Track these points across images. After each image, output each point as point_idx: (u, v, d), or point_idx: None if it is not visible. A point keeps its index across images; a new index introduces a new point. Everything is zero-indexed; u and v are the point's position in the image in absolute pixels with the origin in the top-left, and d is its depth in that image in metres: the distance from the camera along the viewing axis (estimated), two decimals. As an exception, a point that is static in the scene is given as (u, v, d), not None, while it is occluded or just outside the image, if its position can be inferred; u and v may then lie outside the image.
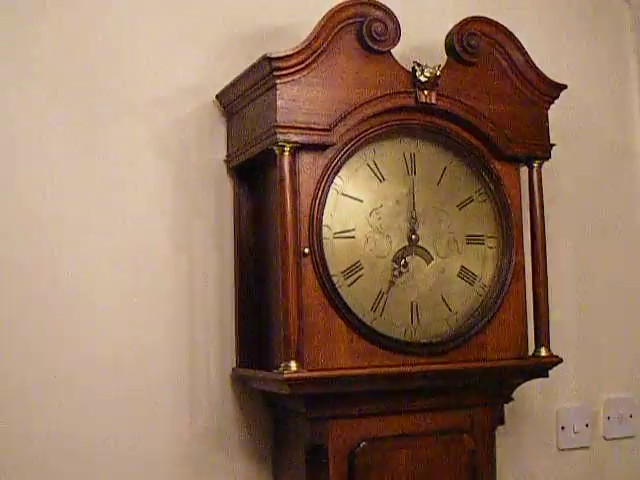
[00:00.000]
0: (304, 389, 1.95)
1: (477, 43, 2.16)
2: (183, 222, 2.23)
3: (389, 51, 2.08)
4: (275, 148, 1.96)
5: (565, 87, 2.27)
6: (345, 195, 2.06)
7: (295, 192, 1.97)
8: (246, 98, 2.12)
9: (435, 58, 2.16)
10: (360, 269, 2.06)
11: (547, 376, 2.26)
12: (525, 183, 2.26)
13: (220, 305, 2.24)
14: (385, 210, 2.10)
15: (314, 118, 1.99)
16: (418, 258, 2.13)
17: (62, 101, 2.13)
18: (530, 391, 2.51)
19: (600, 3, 2.83)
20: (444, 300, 2.15)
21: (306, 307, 1.97)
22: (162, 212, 2.21)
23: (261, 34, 2.30)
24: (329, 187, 2.02)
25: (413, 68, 2.09)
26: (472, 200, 2.20)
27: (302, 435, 2.06)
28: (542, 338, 2.23)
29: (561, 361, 2.24)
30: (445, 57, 2.17)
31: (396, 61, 2.09)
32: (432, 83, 2.10)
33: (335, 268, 2.02)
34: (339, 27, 2.03)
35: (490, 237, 2.21)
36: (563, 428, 2.63)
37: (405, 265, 2.11)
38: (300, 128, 1.97)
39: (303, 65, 1.98)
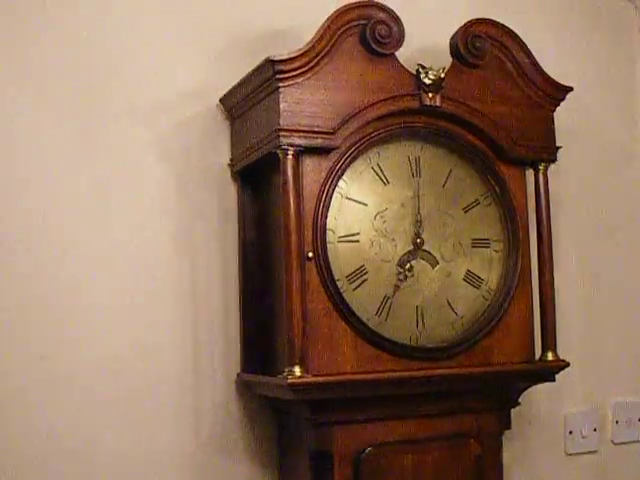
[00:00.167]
0: (308, 394, 1.94)
1: (482, 45, 2.15)
2: (187, 226, 2.22)
3: (393, 54, 2.07)
4: (278, 152, 1.95)
5: (571, 89, 2.25)
6: (349, 199, 2.05)
7: (299, 196, 1.96)
8: (249, 101, 2.11)
9: (440, 61, 2.14)
10: (365, 273, 2.04)
11: (554, 380, 2.25)
12: (531, 186, 2.24)
13: (224, 310, 2.23)
14: (390, 214, 2.09)
15: (318, 121, 1.98)
16: (423, 262, 2.12)
17: (64, 104, 2.12)
18: (537, 395, 2.50)
19: (606, 4, 2.81)
20: (450, 304, 2.14)
21: (310, 312, 1.96)
22: (166, 216, 2.20)
23: (264, 37, 2.29)
24: (333, 191, 2.01)
25: (417, 71, 2.08)
26: (478, 203, 2.19)
27: (307, 440, 2.05)
28: (549, 342, 2.21)
29: (568, 365, 2.23)
30: (450, 60, 2.16)
31: (400, 64, 2.08)
32: (437, 86, 2.08)
33: (339, 272, 2.00)
34: (342, 30, 2.02)
35: (496, 240, 2.20)
36: (571, 432, 2.61)
37: (410, 269, 2.09)
38: (303, 131, 1.96)
39: (306, 68, 1.97)
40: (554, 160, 2.25)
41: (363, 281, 2.04)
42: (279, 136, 1.94)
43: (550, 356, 2.20)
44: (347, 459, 2.01)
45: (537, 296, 2.23)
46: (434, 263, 2.13)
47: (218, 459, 2.21)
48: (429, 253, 2.12)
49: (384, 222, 2.08)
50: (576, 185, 2.67)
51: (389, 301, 2.07)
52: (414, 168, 2.13)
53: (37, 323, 2.06)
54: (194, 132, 2.24)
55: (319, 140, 1.98)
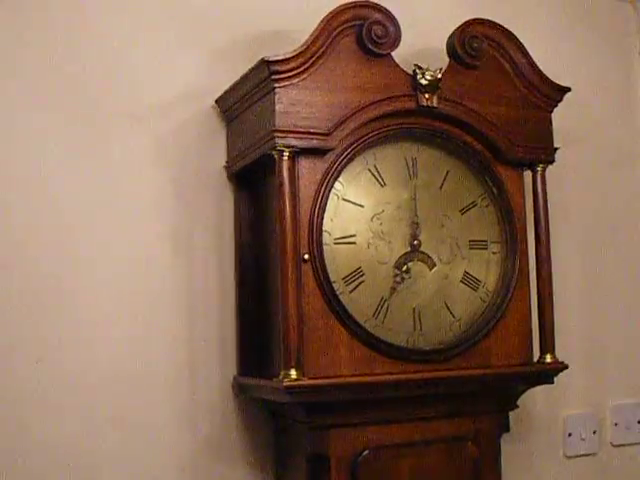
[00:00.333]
0: (304, 397, 1.93)
1: (479, 46, 2.14)
2: (183, 227, 2.21)
3: (389, 54, 2.06)
4: (274, 153, 1.94)
5: (569, 90, 2.24)
6: (346, 200, 2.04)
7: (295, 197, 1.95)
8: (245, 103, 2.10)
9: (437, 61, 2.13)
10: (361, 275, 2.03)
11: (553, 382, 2.24)
12: (529, 187, 2.23)
13: (221, 312, 2.22)
14: (386, 215, 2.08)
15: (313, 122, 1.97)
16: (420, 264, 2.11)
17: (59, 107, 2.11)
18: (536, 398, 2.49)
19: (605, 5, 2.81)
20: (447, 306, 2.13)
21: (306, 314, 1.95)
22: (162, 218, 2.19)
23: (261, 38, 2.28)
24: (329, 192, 2.00)
25: (414, 71, 2.07)
26: (475, 205, 2.18)
27: (303, 444, 2.04)
28: (547, 344, 2.20)
29: (567, 367, 2.22)
30: (447, 60, 2.15)
31: (397, 64, 2.07)
32: (433, 86, 2.07)
33: (336, 274, 1.99)
34: (338, 30, 2.01)
35: (494, 242, 2.19)
36: (570, 435, 2.60)
37: (407, 271, 2.09)
38: (299, 132, 1.95)
39: (302, 69, 1.96)
40: (552, 161, 2.24)
41: (360, 283, 2.03)
42: (275, 137, 1.93)
43: (549, 358, 2.20)
44: (344, 462, 2.00)
45: (535, 298, 2.22)
46: (431, 265, 2.12)
47: (215, 462, 2.20)
48: (426, 255, 2.11)
49: (381, 224, 2.07)
50: (574, 186, 2.66)
51: (386, 303, 2.06)
52: (411, 169, 2.12)
53: (33, 326, 2.04)
54: (190, 134, 2.23)
55: (315, 141, 1.97)
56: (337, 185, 2.02)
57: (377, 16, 2.03)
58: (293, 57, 1.95)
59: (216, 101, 2.23)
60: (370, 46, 2.02)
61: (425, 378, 2.04)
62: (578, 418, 2.61)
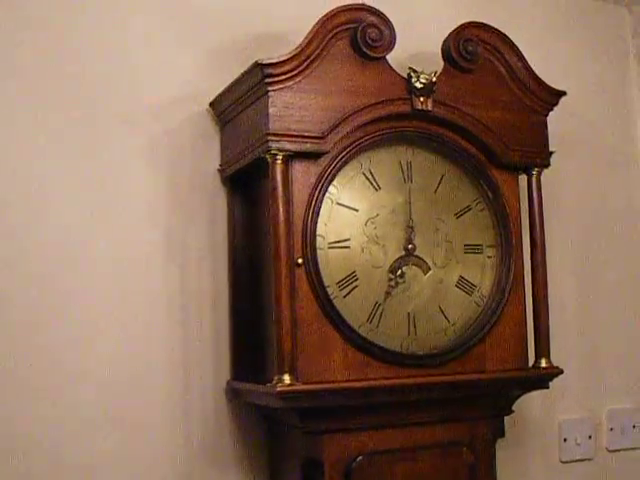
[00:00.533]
0: (298, 402, 1.92)
1: (474, 49, 2.13)
2: (176, 231, 2.20)
3: (384, 57, 2.05)
4: (267, 156, 1.93)
5: (564, 93, 2.24)
6: (340, 204, 2.03)
7: (288, 201, 1.94)
8: (239, 106, 2.09)
9: (432, 65, 2.12)
10: (355, 280, 2.02)
11: (548, 387, 2.24)
12: (524, 191, 2.22)
13: (214, 317, 2.21)
14: (381, 219, 2.07)
15: (307, 126, 1.96)
16: (415, 268, 2.10)
17: (55, 107, 2.10)
18: (531, 403, 2.48)
19: (600, 9, 2.81)
20: (442, 311, 2.12)
21: (300, 319, 1.94)
22: (155, 221, 2.18)
23: (255, 41, 2.27)
24: (323, 196, 1.98)
25: (409, 74, 2.06)
26: (470, 209, 2.17)
27: (297, 449, 2.04)
28: (542, 349, 2.20)
29: (562, 372, 2.21)
30: (442, 64, 2.14)
31: (391, 67, 2.06)
32: (428, 90, 2.07)
33: (329, 279, 1.98)
34: (333, 33, 2.00)
35: (489, 246, 2.18)
36: (565, 440, 2.60)
37: (402, 275, 2.08)
38: (293, 136, 1.94)
39: (296, 72, 1.95)
40: (547, 165, 2.24)
41: (354, 287, 2.02)
42: (268, 141, 1.92)
43: (544, 363, 2.19)
44: (338, 468, 1.99)
45: (530, 302, 2.21)
46: (426, 269, 2.11)
47: (208, 467, 2.19)
48: (421, 259, 2.10)
49: (375, 228, 2.06)
50: (570, 190, 2.66)
51: (380, 308, 2.04)
52: (406, 173, 2.11)
53: (24, 330, 2.03)
54: (184, 137, 2.23)
55: (309, 145, 1.96)
56: (331, 189, 2.01)
57: (372, 19, 2.03)
58: (287, 60, 1.94)
59: (210, 104, 2.22)
60: (365, 49, 2.01)
61: (420, 383, 2.03)
62: (573, 423, 2.61)
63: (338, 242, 2.02)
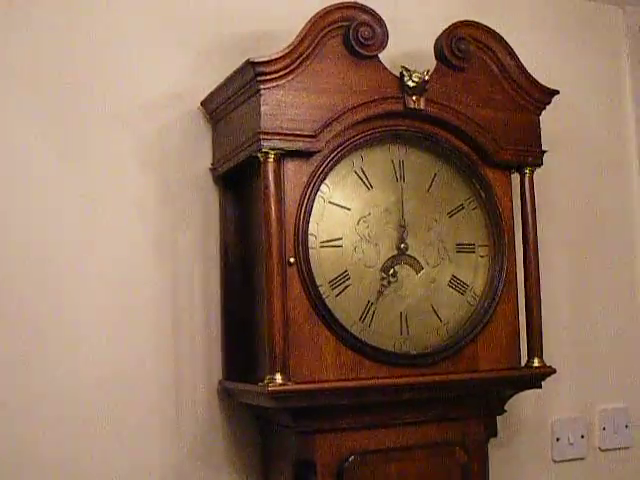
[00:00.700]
0: (290, 402, 1.91)
1: (467, 48, 2.13)
2: (168, 230, 2.19)
3: (376, 56, 2.05)
4: (259, 155, 1.93)
5: (557, 92, 2.24)
6: (332, 203, 2.02)
7: (280, 200, 1.93)
8: (231, 104, 2.08)
9: (425, 64, 2.12)
10: (347, 279, 2.02)
11: (540, 387, 2.24)
12: (517, 190, 2.22)
13: (206, 316, 2.20)
14: (373, 218, 2.06)
15: (299, 124, 1.95)
16: (407, 267, 2.09)
17: (43, 108, 2.09)
18: (524, 402, 2.48)
19: (594, 9, 2.81)
20: (434, 310, 2.11)
21: (292, 318, 1.93)
22: (146, 220, 2.17)
23: (247, 40, 2.27)
24: (315, 195, 1.98)
25: (401, 73, 2.06)
26: (463, 208, 2.17)
27: (290, 449, 2.03)
28: (535, 348, 2.19)
29: (554, 371, 2.21)
30: (435, 62, 2.13)
31: (384, 66, 2.06)
32: (420, 88, 2.06)
33: (322, 278, 1.98)
34: (325, 31, 1.99)
35: (481, 245, 2.18)
36: (558, 439, 2.60)
37: (394, 275, 2.07)
38: (285, 134, 1.93)
39: (288, 70, 1.94)
40: (540, 164, 2.24)
41: (346, 287, 2.01)
42: (260, 139, 1.91)
43: (536, 362, 2.19)
44: (330, 468, 1.99)
45: (523, 301, 2.21)
46: (418, 268, 2.10)
47: (200, 468, 2.18)
48: (413, 258, 2.10)
49: (367, 227, 2.05)
50: (562, 189, 2.66)
51: (372, 307, 2.04)
52: (398, 172, 2.10)
53: (16, 333, 2.02)
54: (175, 136, 2.22)
55: (301, 143, 1.95)
56: (323, 188, 2.00)
57: (364, 17, 2.02)
58: (279, 58, 1.93)
59: (202, 103, 2.21)
60: (357, 48, 2.01)
61: (412, 383, 2.03)
62: (566, 422, 2.61)
63: (330, 241, 2.01)
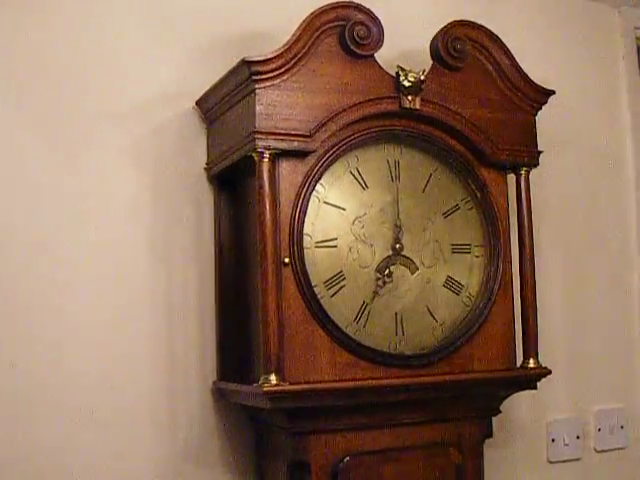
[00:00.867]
0: (285, 403, 1.91)
1: (462, 47, 2.12)
2: (162, 230, 2.18)
3: (372, 55, 2.04)
4: (254, 155, 1.92)
5: (553, 92, 2.24)
6: (327, 203, 2.02)
7: (275, 200, 1.93)
8: (226, 104, 2.07)
9: (421, 63, 2.12)
10: (342, 279, 2.01)
11: (536, 388, 2.23)
12: (513, 190, 2.22)
13: (200, 316, 2.20)
14: (368, 219, 2.06)
15: (294, 124, 1.94)
16: (403, 268, 2.09)
17: (36, 107, 2.08)
18: (519, 403, 2.48)
19: (589, 9, 2.81)
20: (429, 311, 2.11)
21: (287, 318, 1.93)
22: (141, 220, 2.16)
23: (242, 39, 2.26)
24: (310, 195, 1.97)
25: (397, 73, 2.05)
26: (458, 208, 2.16)
27: (284, 450, 2.02)
28: (530, 349, 2.19)
29: (550, 372, 2.21)
30: (431, 62, 2.13)
31: (379, 66, 2.05)
32: (416, 88, 2.06)
33: (317, 278, 1.97)
34: (320, 31, 1.99)
35: (477, 246, 2.17)
36: (553, 440, 2.60)
37: (389, 275, 2.06)
38: (280, 134, 1.93)
39: (283, 69, 1.94)
40: (536, 164, 2.23)
41: (341, 287, 2.01)
42: (255, 139, 1.90)
43: (532, 363, 2.18)
44: (325, 469, 1.98)
45: (518, 302, 2.20)
46: (414, 269, 2.10)
47: (194, 468, 2.17)
48: (408, 259, 2.09)
49: (362, 227, 2.05)
50: (559, 190, 2.65)
51: (368, 307, 2.03)
52: (393, 172, 2.10)
53: (8, 330, 2.01)
54: (170, 135, 2.21)
55: (296, 143, 1.94)
56: (318, 188, 2.00)
57: (360, 17, 2.01)
58: (274, 58, 1.92)
59: (197, 102, 2.20)
60: (353, 47, 2.00)
61: (407, 383, 2.02)
62: (561, 423, 2.61)
63: (325, 241, 2.00)
